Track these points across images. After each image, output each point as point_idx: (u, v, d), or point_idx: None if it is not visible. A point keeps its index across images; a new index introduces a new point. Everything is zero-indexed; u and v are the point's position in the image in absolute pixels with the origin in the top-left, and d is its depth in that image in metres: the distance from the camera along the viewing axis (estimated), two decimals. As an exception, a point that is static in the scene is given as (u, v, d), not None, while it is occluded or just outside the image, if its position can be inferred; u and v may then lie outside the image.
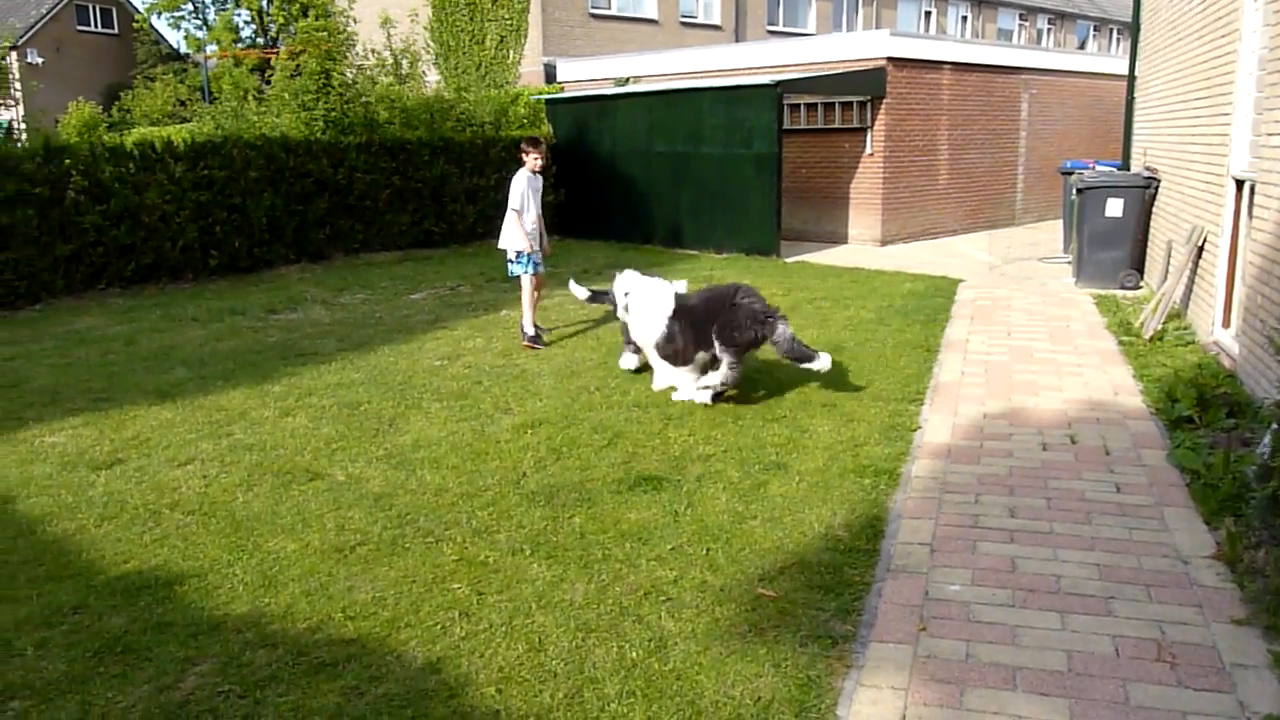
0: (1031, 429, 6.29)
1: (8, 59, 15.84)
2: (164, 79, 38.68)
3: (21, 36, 37.44)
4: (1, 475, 5.79)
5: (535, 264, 9.11)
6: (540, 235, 9.24)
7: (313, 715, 3.39)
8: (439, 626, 3.98)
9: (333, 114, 15.07)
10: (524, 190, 9.02)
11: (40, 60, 39.20)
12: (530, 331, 8.95)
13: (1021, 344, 8.58)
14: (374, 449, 6.13)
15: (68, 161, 11.89)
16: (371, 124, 15.47)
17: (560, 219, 17.06)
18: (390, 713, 3.41)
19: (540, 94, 18.67)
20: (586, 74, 19.74)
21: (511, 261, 9.10)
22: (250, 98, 18.07)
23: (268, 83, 18.43)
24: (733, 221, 14.83)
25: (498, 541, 4.76)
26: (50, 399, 7.46)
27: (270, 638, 3.91)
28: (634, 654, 3.77)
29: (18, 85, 16.07)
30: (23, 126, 16.29)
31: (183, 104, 35.50)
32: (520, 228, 8.95)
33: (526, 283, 9.04)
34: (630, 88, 17.57)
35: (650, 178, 15.93)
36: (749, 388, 7.23)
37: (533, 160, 9.16)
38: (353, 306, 11.14)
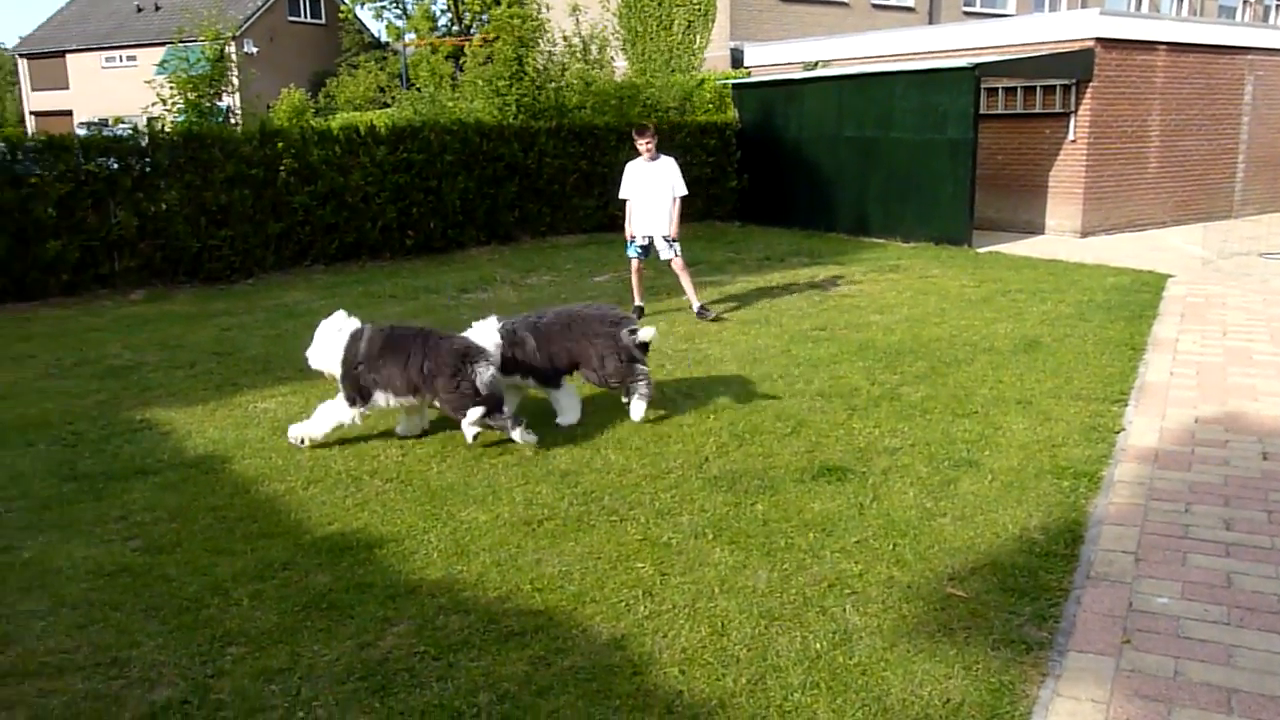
0: (1250, 436, 5.86)
1: (228, 49, 16.86)
2: (366, 66, 40.57)
3: (240, 28, 40.00)
4: (220, 437, 6.21)
5: (640, 250, 9.46)
6: (654, 222, 9.41)
7: (502, 682, 3.49)
8: (623, 604, 4.03)
9: (525, 99, 15.45)
10: (629, 178, 9.45)
11: (255, 50, 41.76)
12: (697, 304, 9.50)
13: (1239, 345, 8.00)
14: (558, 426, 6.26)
15: (280, 145, 12.63)
16: (561, 109, 15.77)
17: (743, 205, 17.00)
18: (576, 685, 3.48)
19: (726, 78, 18.61)
20: (774, 58, 19.53)
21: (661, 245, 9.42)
22: (446, 84, 18.73)
23: (461, 69, 19.03)
24: (922, 209, 14.40)
25: (680, 524, 4.79)
26: (262, 367, 7.96)
27: (463, 604, 4.05)
28: (818, 645, 3.72)
29: (235, 74, 17.09)
30: (238, 112, 17.34)
31: (383, 90, 37.21)
32: (627, 215, 9.47)
33: (677, 265, 9.48)
34: (819, 72, 17.29)
35: (837, 164, 15.64)
36: (935, 380, 7.02)
37: (641, 146, 9.38)
38: (539, 287, 11.41)
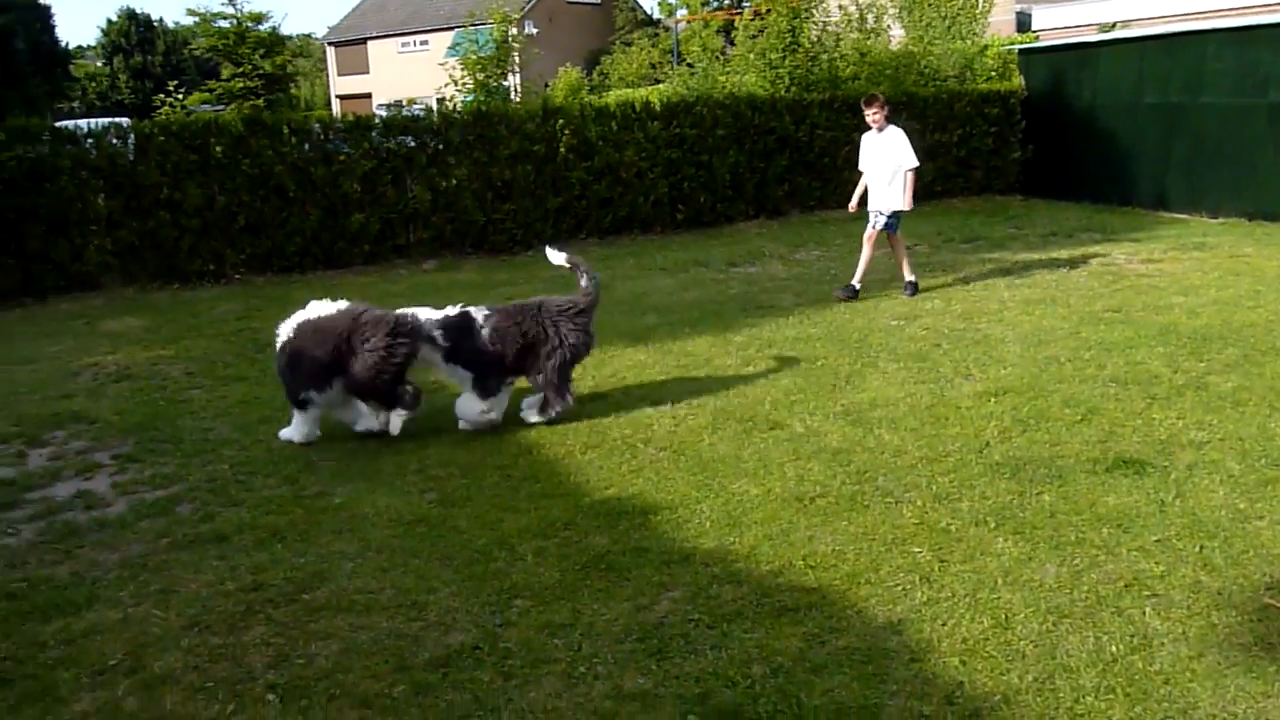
0: None
1: (512, 31, 17.65)
2: (639, 43, 41.43)
3: (523, 10, 41.86)
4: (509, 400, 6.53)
5: (871, 222, 9.25)
6: (877, 196, 9.17)
7: (776, 656, 3.48)
8: (899, 588, 3.92)
9: (798, 71, 15.27)
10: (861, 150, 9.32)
11: (535, 30, 43.60)
12: (910, 277, 9.31)
13: None
14: (831, 404, 6.16)
15: (560, 121, 13.11)
16: (834, 80, 15.48)
17: (1026, 178, 16.09)
18: (851, 666, 3.41)
19: (1011, 44, 17.63)
20: (1064, 21, 18.33)
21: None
22: (716, 59, 18.80)
23: (732, 43, 19.03)
24: (1235, 181, 13.08)
25: (960, 510, 4.59)
26: (542, 335, 8.30)
27: (735, 575, 4.07)
28: (1113, 648, 3.46)
29: (518, 54, 17.90)
30: (518, 91, 18.10)
31: (654, 66, 37.90)
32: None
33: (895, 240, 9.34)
34: (1117, 34, 16.05)
35: (1135, 132, 14.47)
36: (1249, 369, 6.37)
37: (869, 117, 9.06)
38: (808, 263, 11.28)
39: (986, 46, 17.90)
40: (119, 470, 5.58)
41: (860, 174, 9.40)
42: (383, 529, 4.64)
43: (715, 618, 3.75)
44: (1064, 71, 15.60)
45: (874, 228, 9.17)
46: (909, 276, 9.31)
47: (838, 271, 10.52)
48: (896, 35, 20.05)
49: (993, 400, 6.07)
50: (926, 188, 15.46)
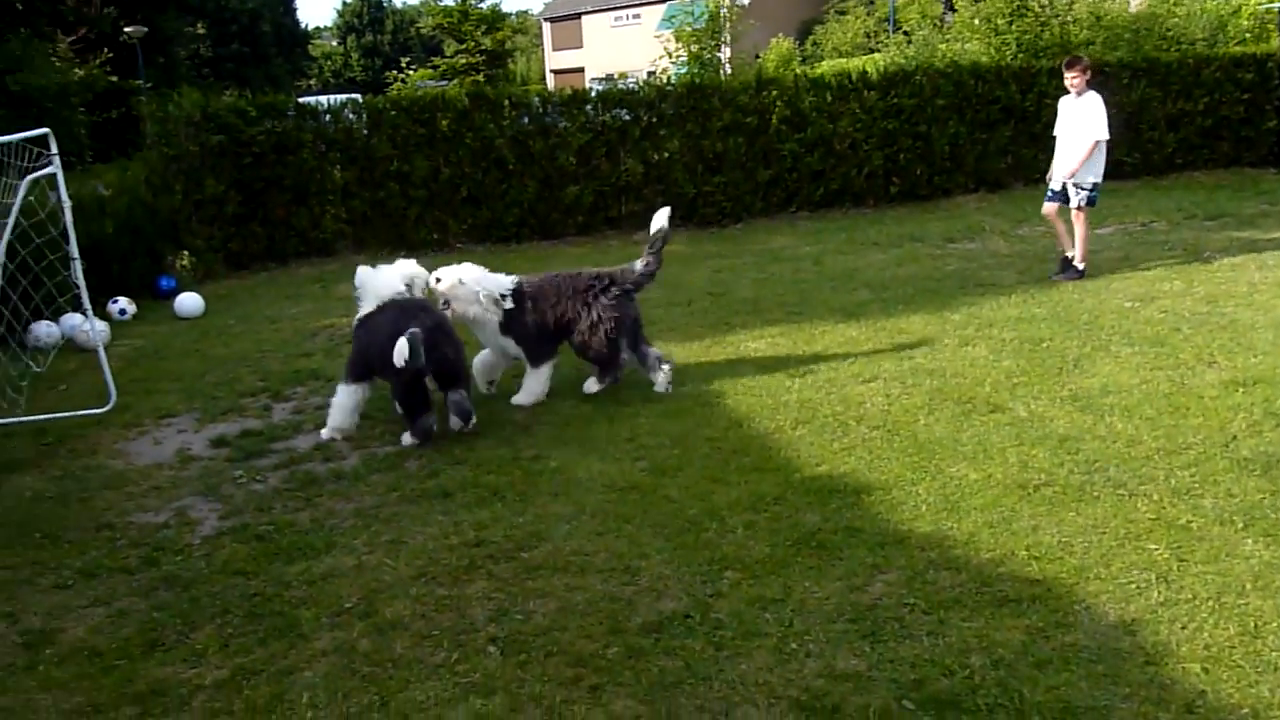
0: None
1: (724, 2, 17.56)
2: (854, 12, 40.42)
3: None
4: (715, 373, 6.55)
5: (1052, 193, 8.78)
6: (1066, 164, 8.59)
7: (997, 647, 3.35)
8: (1133, 586, 3.68)
9: (1026, 37, 14.54)
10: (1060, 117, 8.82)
11: (747, 1, 43.23)
12: (1077, 259, 8.70)
13: None
14: (1057, 388, 5.85)
15: (774, 92, 12.96)
16: (1066, 46, 14.63)
17: (1282, 149, 14.77)
18: (1079, 664, 3.24)
19: (1271, 2, 16.15)
20: (1334, -24, 16.60)
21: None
22: (935, 26, 18.13)
23: (953, 10, 18.30)
24: None
25: (1202, 507, 4.27)
26: (751, 309, 8.28)
27: (953, 561, 3.93)
28: (1383, 668, 3.14)
29: (730, 26, 17.83)
30: (730, 63, 18.01)
31: (869, 36, 36.93)
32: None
33: (1074, 213, 8.71)
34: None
35: None
36: None
37: (1067, 81, 8.47)
38: (1032, 239, 10.75)
39: (1241, 6, 16.46)
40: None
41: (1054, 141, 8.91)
42: (596, 494, 4.75)
43: (932, 604, 3.63)
44: (1332, 32, 14.18)
45: (1077, 205, 8.60)
46: (1079, 262, 8.68)
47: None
48: (1137, -3, 18.77)
49: (1240, 390, 5.61)
50: (1167, 160, 14.46)
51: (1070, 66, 8.65)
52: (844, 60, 27.46)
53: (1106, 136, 8.47)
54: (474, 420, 5.61)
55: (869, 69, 13.70)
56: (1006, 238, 10.89)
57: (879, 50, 26.08)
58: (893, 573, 3.87)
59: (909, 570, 3.88)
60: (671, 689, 3.22)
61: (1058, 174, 8.70)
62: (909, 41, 18.29)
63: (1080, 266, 8.62)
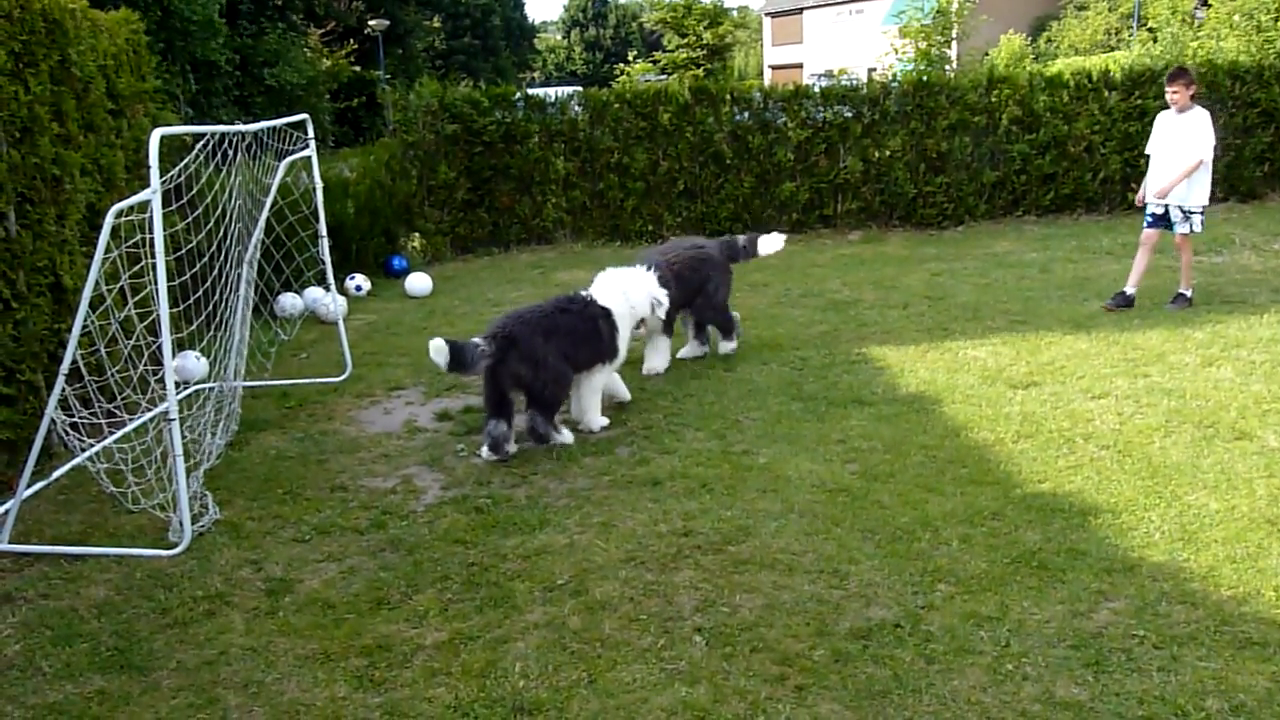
0: None
1: (952, 1, 16.98)
2: (1095, 7, 38.28)
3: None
4: (931, 379, 6.36)
5: (1152, 218, 8.01)
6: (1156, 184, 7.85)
7: (1238, 692, 3.11)
8: (1401, 641, 3.34)
9: (1293, 35, 13.37)
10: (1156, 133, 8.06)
11: (979, -3, 41.63)
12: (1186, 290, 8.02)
13: None
14: (1315, 418, 5.37)
15: (1006, 91, 12.42)
16: (1340, 46, 13.39)
17: None
18: (1333, 721, 2.97)
19: None
20: None
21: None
22: (1186, 22, 16.95)
23: (1206, 4, 17.03)
24: None
25: None
26: (972, 315, 7.99)
27: (1189, 595, 3.68)
28: None
29: (958, 23, 17.23)
30: (956, 60, 17.41)
31: (1111, 33, 34.90)
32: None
33: (1180, 239, 7.96)
34: None
35: None
36: None
37: (1170, 95, 7.73)
38: (1289, 254, 9.90)
39: None
40: (566, 409, 6.09)
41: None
42: (805, 493, 4.70)
43: (1164, 638, 3.41)
44: None
45: (1185, 232, 7.83)
46: (1186, 289, 7.98)
47: (1327, 267, 9.14)
48: None
49: None
50: None
51: (1173, 80, 7.84)
52: (1081, 58, 26.05)
53: (1211, 156, 7.69)
54: (511, 450, 5.33)
55: (1111, 68, 12.93)
56: (1259, 252, 10.07)
57: (1119, 48, 24.61)
58: (1120, 601, 3.66)
59: (1139, 600, 3.66)
60: (879, 698, 3.16)
61: (1175, 199, 7.84)
62: (1154, 39, 17.17)
63: (1187, 294, 7.95)
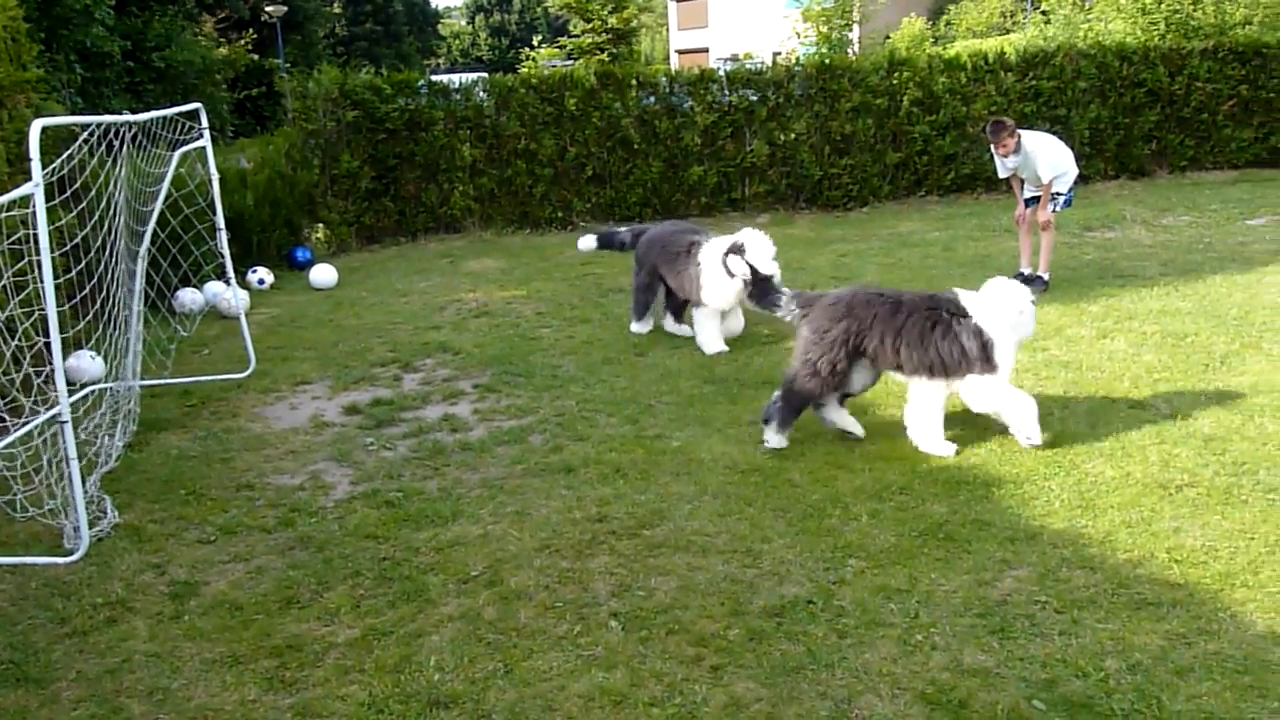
0: None
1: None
2: (991, -9, 39.08)
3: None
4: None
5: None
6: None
7: (1134, 651, 3.23)
8: (1284, 595, 3.51)
9: (1176, 17, 13.85)
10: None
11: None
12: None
13: None
14: (1203, 385, 5.59)
15: (906, 74, 12.65)
16: (1221, 26, 13.90)
17: None
18: (1223, 673, 3.10)
19: None
20: None
21: None
22: (1078, 5, 17.45)
23: (1097, -12, 17.56)
24: None
25: (1362, 515, 4.03)
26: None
27: (1088, 560, 3.80)
28: None
29: (858, 6, 17.49)
30: (858, 44, 17.62)
31: (1005, 16, 35.73)
32: None
33: None
34: None
35: None
36: None
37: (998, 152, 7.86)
38: (1177, 229, 10.28)
39: None
40: (479, 399, 6.05)
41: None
42: (718, 475, 4.73)
43: (1065, 603, 3.52)
44: None
45: (1050, 212, 8.03)
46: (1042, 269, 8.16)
47: (1212, 240, 9.54)
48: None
49: None
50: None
51: (995, 136, 7.91)
52: (978, 41, 26.63)
53: (1062, 170, 7.90)
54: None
55: (1007, 50, 13.25)
56: (1149, 227, 10.44)
57: (1015, 31, 25.23)
58: (1023, 569, 3.76)
59: (1041, 567, 3.77)
60: (793, 674, 3.20)
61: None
62: (1048, 21, 17.64)
63: (1046, 277, 8.17)
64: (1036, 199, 8.10)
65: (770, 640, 3.38)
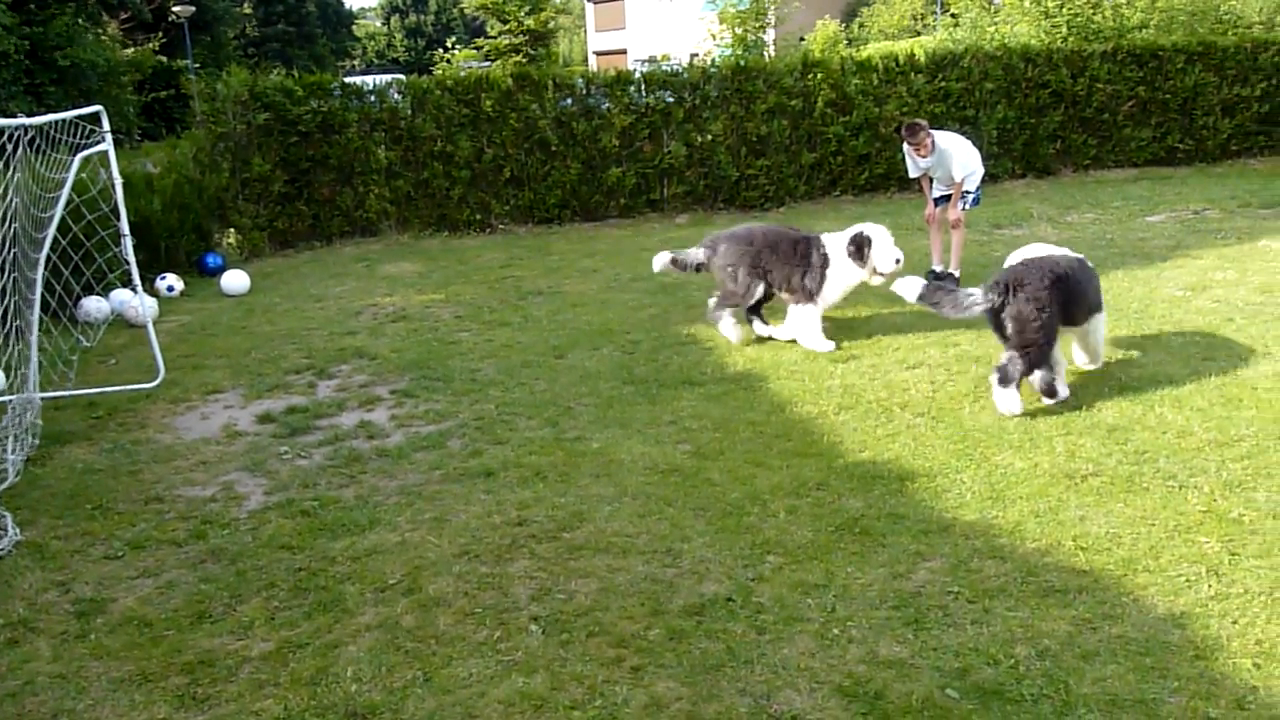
0: None
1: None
2: (903, -6, 39.87)
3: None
4: (758, 357, 6.53)
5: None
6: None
7: (1042, 638, 3.31)
8: (1183, 579, 3.63)
9: (1077, 19, 14.27)
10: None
11: (794, -17, 42.76)
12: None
13: None
14: (1106, 377, 5.76)
15: (819, 75, 12.82)
16: (1120, 29, 14.36)
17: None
18: (1126, 656, 3.20)
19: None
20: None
21: None
22: (985, 8, 17.88)
23: (1002, -8, 18.02)
24: None
25: (1255, 500, 4.20)
26: (795, 293, 8.21)
27: (998, 550, 3.90)
28: None
29: (775, 8, 17.69)
30: (773, 46, 17.80)
31: (916, 19, 36.48)
32: None
33: None
34: None
35: None
36: None
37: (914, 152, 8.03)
38: (1081, 226, 10.59)
39: (1302, -11, 16.09)
40: (396, 404, 5.98)
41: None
42: (638, 476, 4.75)
43: (976, 592, 3.60)
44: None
45: (960, 210, 8.24)
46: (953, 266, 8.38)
47: (1114, 236, 9.84)
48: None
49: (1296, 382, 5.50)
50: (1221, 146, 14.14)
51: (911, 136, 8.07)
52: (890, 43, 27.14)
53: (971, 169, 8.13)
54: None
55: (917, 52, 13.52)
56: (1054, 224, 10.74)
57: (925, 33, 25.76)
58: (937, 560, 3.84)
59: (953, 558, 3.85)
60: (713, 671, 3.22)
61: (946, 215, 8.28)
62: (957, 24, 18.04)
63: (957, 274, 8.37)
64: (946, 198, 8.29)
65: (690, 639, 3.40)
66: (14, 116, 5.50)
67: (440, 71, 15.63)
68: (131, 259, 6.73)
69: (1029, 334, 5.19)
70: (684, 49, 23.22)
